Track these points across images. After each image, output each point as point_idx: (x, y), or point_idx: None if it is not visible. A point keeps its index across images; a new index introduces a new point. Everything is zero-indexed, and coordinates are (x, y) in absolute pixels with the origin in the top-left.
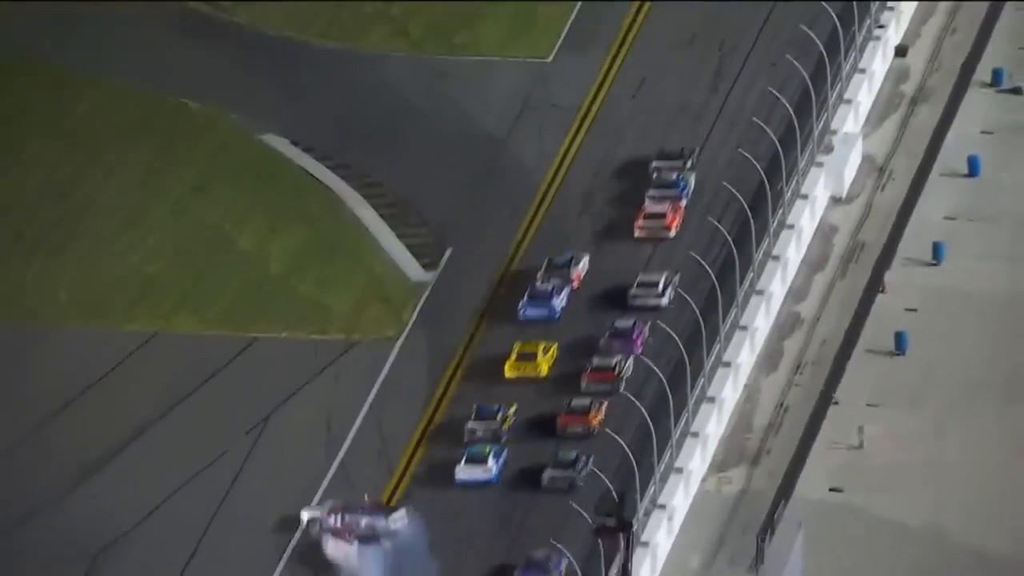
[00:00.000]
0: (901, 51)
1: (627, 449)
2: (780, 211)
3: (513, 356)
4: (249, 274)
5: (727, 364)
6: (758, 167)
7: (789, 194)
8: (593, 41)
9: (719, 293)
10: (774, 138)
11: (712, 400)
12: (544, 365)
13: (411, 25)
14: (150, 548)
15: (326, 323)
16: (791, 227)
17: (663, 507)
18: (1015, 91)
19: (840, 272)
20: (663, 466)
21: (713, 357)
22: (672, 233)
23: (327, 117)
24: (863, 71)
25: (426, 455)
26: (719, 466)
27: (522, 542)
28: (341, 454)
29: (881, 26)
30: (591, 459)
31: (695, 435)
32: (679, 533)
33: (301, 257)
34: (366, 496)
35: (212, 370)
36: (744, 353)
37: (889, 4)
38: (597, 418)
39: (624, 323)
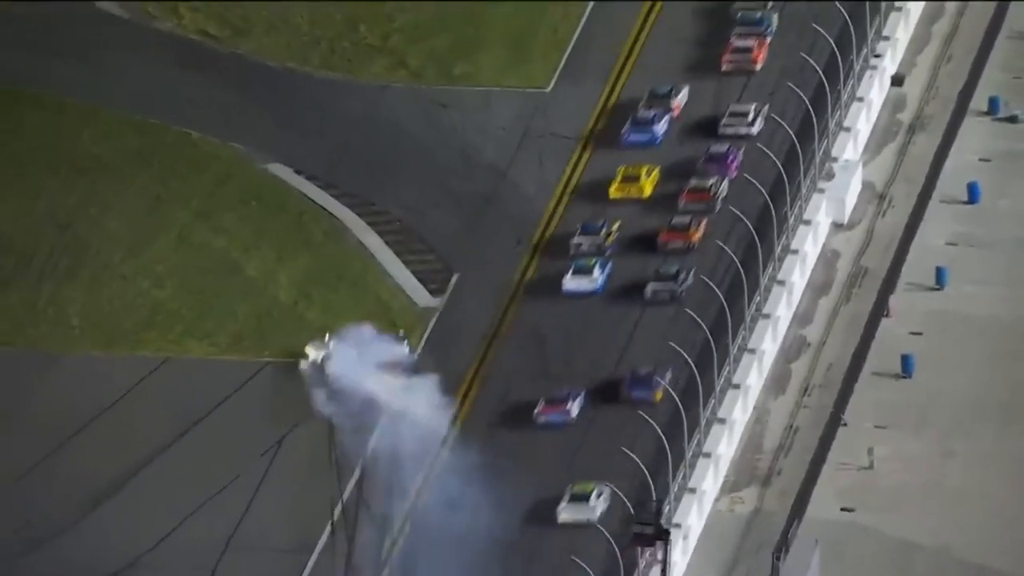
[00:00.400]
0: (898, 80)
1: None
2: (784, 236)
3: (618, 178)
4: (257, 300)
5: (736, 386)
6: (763, 191)
7: (792, 220)
8: (592, 70)
9: (728, 314)
10: (777, 163)
11: (723, 421)
12: (647, 186)
13: (410, 56)
14: (164, 573)
15: None
16: (795, 252)
17: (678, 526)
18: (1011, 119)
19: (844, 297)
20: (676, 486)
21: (723, 379)
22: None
23: (329, 147)
24: (861, 99)
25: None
26: (731, 487)
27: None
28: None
29: (878, 55)
30: (691, 273)
31: (707, 455)
32: (694, 552)
33: (308, 284)
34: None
35: (224, 394)
36: (752, 376)
37: (885, 34)
38: (696, 235)
39: (719, 148)
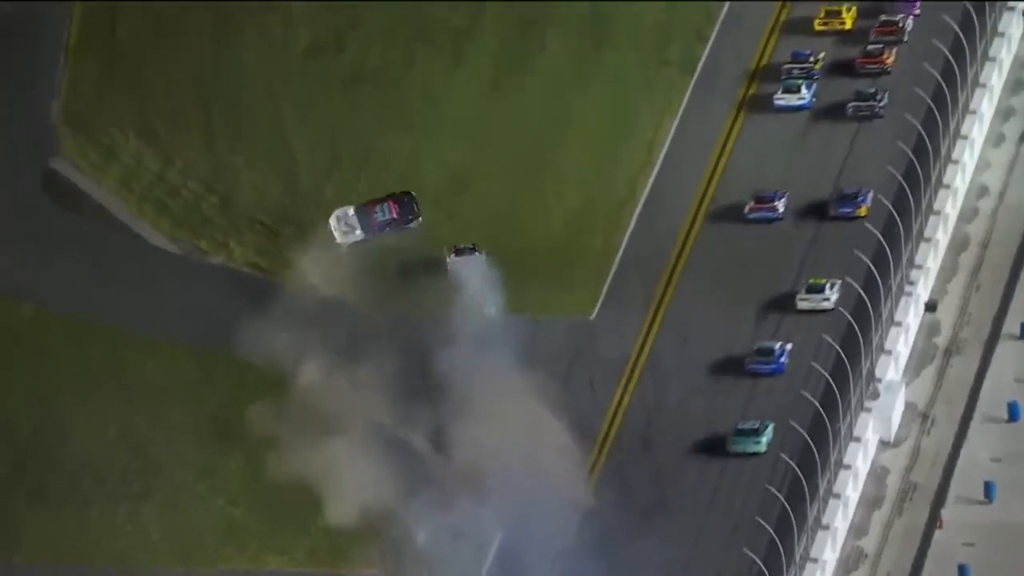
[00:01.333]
0: (931, 306)
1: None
2: (836, 450)
3: (822, 13)
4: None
5: None
6: (816, 404)
7: (843, 436)
8: (633, 297)
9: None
10: (829, 379)
11: None
12: (848, 20)
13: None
14: None
15: None
16: (847, 467)
17: None
18: None
19: (897, 510)
20: None
21: None
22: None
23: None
24: (899, 324)
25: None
26: None
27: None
28: None
29: (911, 283)
30: (887, 93)
31: None
32: None
33: None
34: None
35: None
36: None
37: (917, 262)
38: (889, 59)
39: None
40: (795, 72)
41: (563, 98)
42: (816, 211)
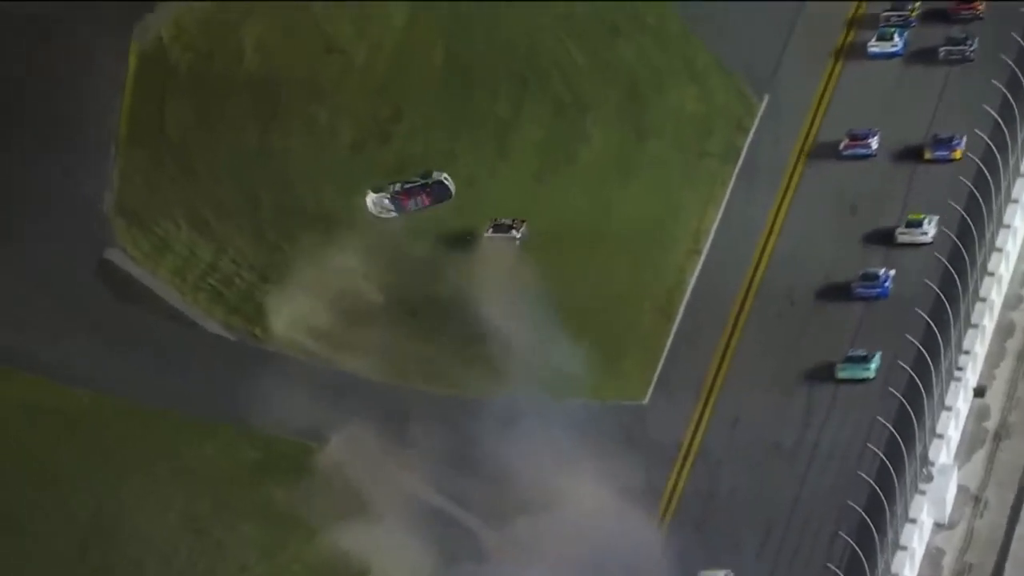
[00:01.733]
0: (979, 392)
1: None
2: (893, 531)
3: None
4: None
5: None
6: (872, 483)
7: (899, 517)
8: (686, 381)
9: None
10: (886, 460)
11: None
12: None
13: (508, 367)
14: None
15: None
16: (904, 548)
17: None
18: None
19: None
20: None
21: None
22: None
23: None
24: (949, 408)
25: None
26: None
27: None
28: None
29: (960, 368)
30: (977, 39)
31: None
32: None
33: None
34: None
35: None
36: None
37: (965, 348)
38: (980, 6)
39: None
40: (893, 19)
41: (606, 187)
42: (911, 154)
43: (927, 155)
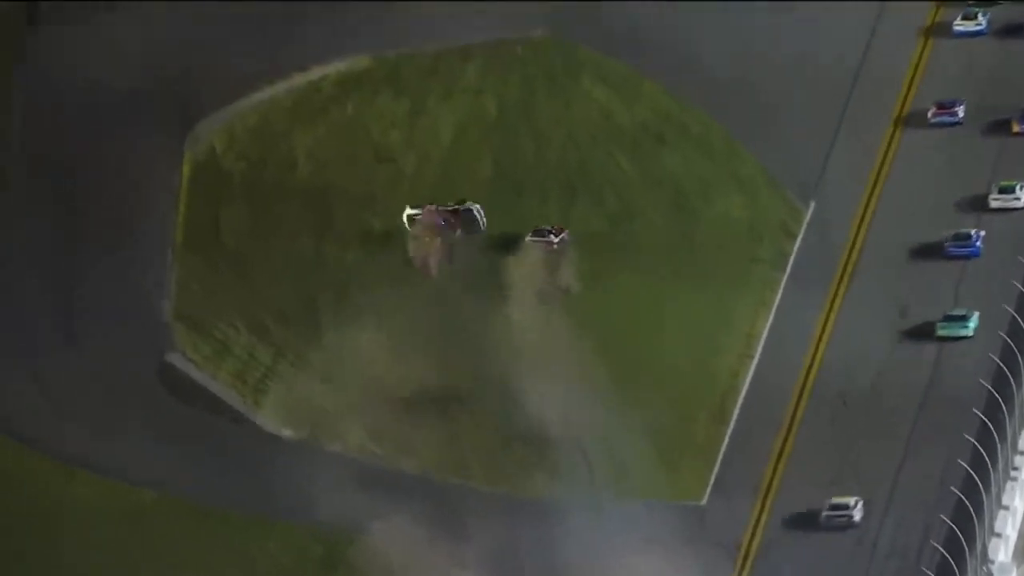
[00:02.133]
0: None
1: None
2: None
3: None
4: None
5: None
6: None
7: None
8: (743, 483)
9: None
10: (948, 556)
11: None
12: None
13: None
14: None
15: None
16: None
17: None
18: None
19: None
20: None
21: None
22: None
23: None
24: (1007, 507)
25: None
26: None
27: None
28: None
29: (1016, 468)
30: None
31: None
32: None
33: None
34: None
35: None
36: None
37: (1020, 448)
38: None
39: None
40: None
41: (657, 294)
42: (999, 127)
43: (1015, 129)
